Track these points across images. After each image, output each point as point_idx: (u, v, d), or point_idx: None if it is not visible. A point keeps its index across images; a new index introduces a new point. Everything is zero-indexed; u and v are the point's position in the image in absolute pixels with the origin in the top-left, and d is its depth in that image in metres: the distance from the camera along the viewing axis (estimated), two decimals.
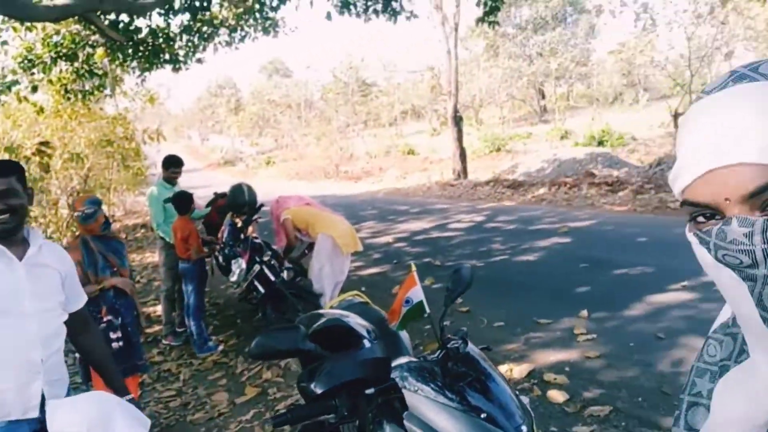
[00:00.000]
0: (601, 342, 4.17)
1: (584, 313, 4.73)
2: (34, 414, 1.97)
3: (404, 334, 2.50)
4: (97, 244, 3.51)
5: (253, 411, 3.98)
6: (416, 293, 2.34)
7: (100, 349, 2.38)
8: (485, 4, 8.45)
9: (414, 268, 2.41)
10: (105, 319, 3.41)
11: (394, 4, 8.99)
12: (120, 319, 3.46)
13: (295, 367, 4.57)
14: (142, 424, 1.65)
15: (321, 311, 2.58)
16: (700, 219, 0.58)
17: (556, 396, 3.46)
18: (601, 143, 20.84)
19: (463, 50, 27.09)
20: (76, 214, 3.49)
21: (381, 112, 40.86)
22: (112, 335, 3.40)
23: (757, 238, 0.52)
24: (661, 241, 6.86)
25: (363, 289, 5.66)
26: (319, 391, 1.98)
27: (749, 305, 0.54)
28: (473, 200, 12.73)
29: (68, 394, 2.16)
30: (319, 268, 5.28)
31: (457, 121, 18.28)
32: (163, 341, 5.54)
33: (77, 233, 3.65)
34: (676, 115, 15.61)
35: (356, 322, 2.44)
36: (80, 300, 2.25)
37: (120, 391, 2.30)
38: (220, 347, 5.22)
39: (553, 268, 6.26)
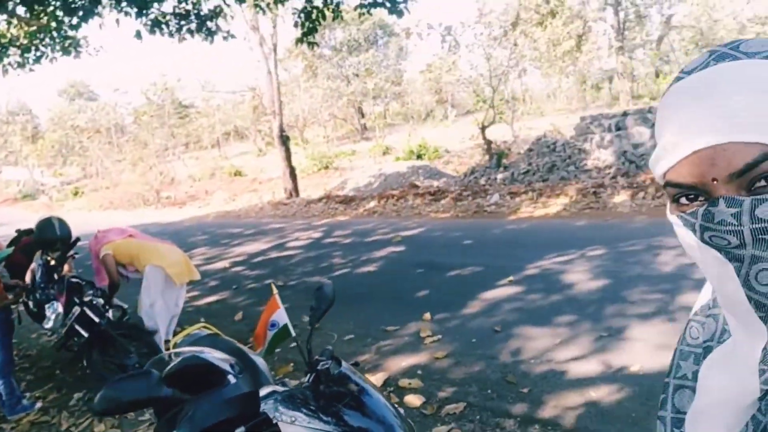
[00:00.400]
0: (446, 342, 4.38)
1: (427, 315, 4.94)
2: None
3: (261, 361, 2.37)
4: None
5: None
6: (280, 316, 2.25)
7: None
8: (302, 25, 8.53)
9: (275, 290, 2.32)
10: None
11: (209, 24, 8.70)
12: None
13: (132, 414, 4.13)
14: None
15: (177, 350, 2.34)
16: (683, 200, 0.57)
17: (413, 400, 3.55)
18: (419, 157, 22.20)
19: (282, 71, 27.13)
20: None
21: (202, 134, 39.30)
22: None
23: (745, 218, 0.52)
24: (484, 242, 7.48)
25: (202, 320, 5.32)
26: None
27: (734, 285, 0.54)
28: (308, 217, 12.75)
29: None
30: (150, 304, 4.87)
31: (284, 140, 18.22)
32: None
33: None
34: (483, 128, 17.20)
35: (215, 357, 2.26)
36: None
37: None
38: (38, 405, 4.51)
39: (392, 276, 6.48)
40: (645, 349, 3.69)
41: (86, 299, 4.67)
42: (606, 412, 3.04)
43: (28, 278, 5.12)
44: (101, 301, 4.83)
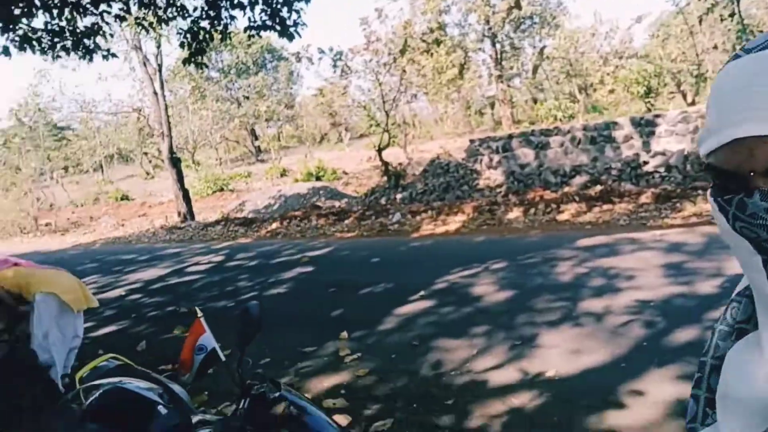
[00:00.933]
0: (366, 359, 4.38)
1: (344, 334, 4.92)
2: None
3: (182, 390, 2.25)
4: None
5: None
6: (207, 340, 2.15)
7: None
8: (189, 45, 8.24)
9: (200, 313, 2.21)
10: None
11: (86, 42, 8.17)
12: None
13: None
14: None
15: (92, 383, 2.15)
16: (722, 185, 0.55)
17: (341, 420, 3.49)
18: (318, 178, 22.19)
19: (167, 92, 26.04)
20: None
21: (82, 157, 36.68)
22: None
23: None
24: (391, 260, 7.60)
25: (101, 352, 4.92)
26: None
27: (762, 278, 0.53)
28: (206, 241, 12.25)
29: None
30: (44, 335, 4.43)
31: (175, 162, 17.49)
32: None
33: None
34: (380, 150, 17.56)
35: (139, 386, 2.11)
36: None
37: None
38: None
39: (304, 297, 6.39)
40: (557, 354, 3.92)
41: None
42: (530, 418, 3.17)
43: None
44: None
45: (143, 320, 6.43)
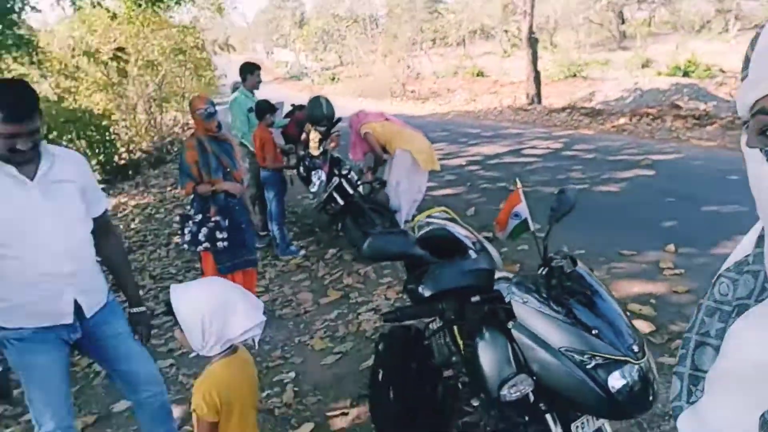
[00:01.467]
0: (690, 277, 4.06)
1: (671, 247, 4.59)
2: (68, 320, 2.07)
3: (494, 252, 2.49)
4: (211, 144, 3.61)
5: (336, 311, 4.17)
6: (522, 209, 2.32)
7: (117, 256, 2.38)
8: None
9: (519, 184, 2.37)
10: (213, 219, 3.57)
11: None
12: (227, 221, 3.60)
13: (374, 276, 4.71)
14: (256, 307, 1.73)
15: (426, 220, 2.59)
16: None
17: (642, 326, 3.42)
18: (686, 74, 19.48)
19: None
20: (198, 112, 3.56)
21: (448, 30, 39.28)
22: (218, 235, 3.56)
23: None
24: None
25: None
26: (426, 294, 2.03)
27: None
28: (548, 127, 12.29)
29: (108, 300, 2.24)
30: (396, 183, 5.29)
31: (533, 42, 17.37)
32: None
33: (192, 133, 3.74)
34: None
35: (460, 232, 2.46)
36: (100, 205, 2.25)
37: (132, 300, 2.36)
38: (302, 252, 5.42)
39: (636, 201, 6.06)
40: None
41: (344, 172, 5.29)
42: None
43: (305, 139, 5.95)
44: (355, 176, 5.43)
45: (476, 190, 7.05)
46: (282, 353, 3.70)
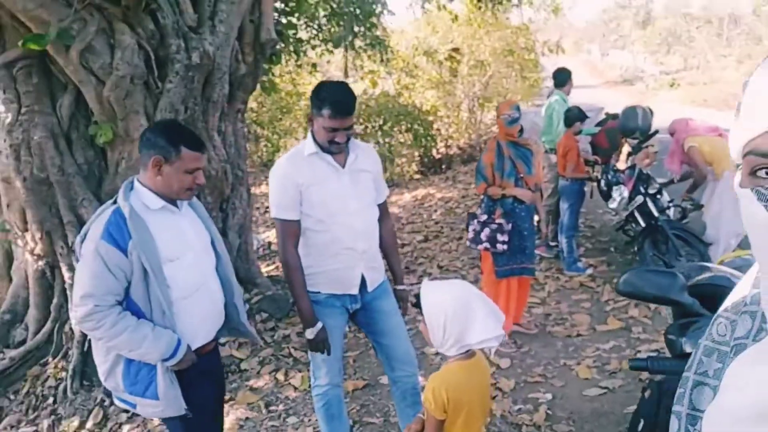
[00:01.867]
0: None
1: None
2: (354, 291, 2.43)
3: None
4: (509, 148, 3.73)
5: (612, 342, 3.86)
6: None
7: (391, 238, 2.63)
8: None
9: None
10: (497, 221, 3.68)
11: None
12: (511, 225, 3.67)
13: (665, 314, 4.20)
14: (498, 319, 1.72)
15: (708, 264, 2.20)
16: (761, 174, 0.57)
17: None
18: None
19: None
20: (502, 116, 3.73)
21: None
22: (499, 237, 3.65)
23: None
24: None
25: None
26: (688, 349, 1.76)
27: None
28: None
29: (383, 279, 2.54)
30: (718, 212, 4.58)
31: None
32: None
33: (494, 136, 3.91)
34: None
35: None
36: (384, 194, 2.55)
37: (398, 278, 2.62)
38: (589, 270, 5.13)
39: None
40: None
41: (651, 191, 4.80)
42: None
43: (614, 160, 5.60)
44: (666, 198, 4.87)
45: None
46: (543, 371, 3.60)
